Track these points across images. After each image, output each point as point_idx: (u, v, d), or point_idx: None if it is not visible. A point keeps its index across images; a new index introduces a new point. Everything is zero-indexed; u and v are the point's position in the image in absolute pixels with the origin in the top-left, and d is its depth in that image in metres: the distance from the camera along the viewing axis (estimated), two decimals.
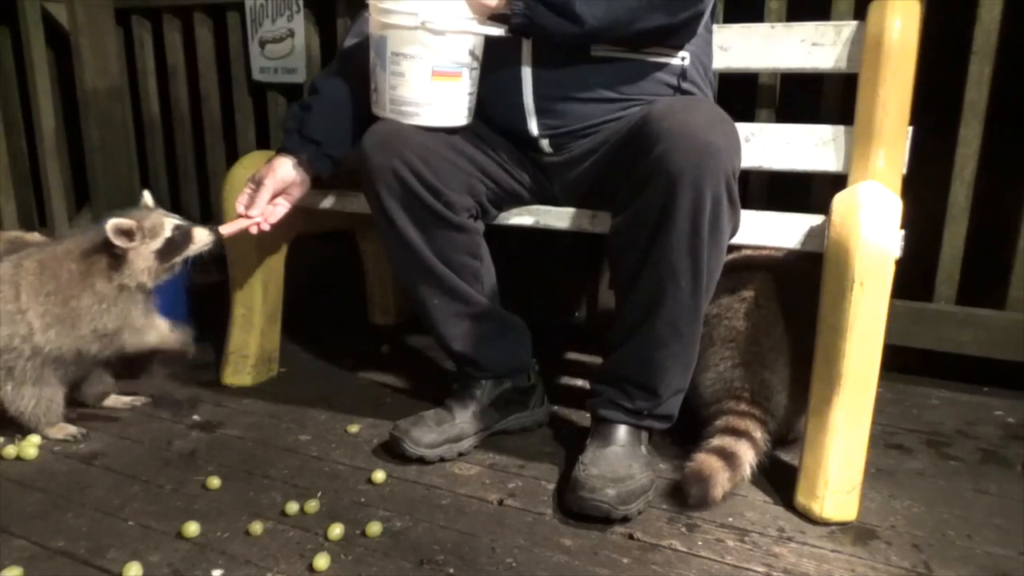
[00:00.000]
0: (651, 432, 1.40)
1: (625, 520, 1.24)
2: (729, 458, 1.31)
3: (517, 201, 1.51)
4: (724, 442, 1.33)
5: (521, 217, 1.51)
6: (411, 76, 1.31)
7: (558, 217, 1.47)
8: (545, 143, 1.44)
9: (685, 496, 1.27)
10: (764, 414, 1.38)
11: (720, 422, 1.38)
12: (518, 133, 1.44)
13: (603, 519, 1.22)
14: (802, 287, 1.36)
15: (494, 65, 1.38)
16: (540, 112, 1.40)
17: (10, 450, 1.47)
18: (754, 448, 1.33)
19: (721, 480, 1.28)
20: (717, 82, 1.65)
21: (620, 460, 1.29)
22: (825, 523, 1.23)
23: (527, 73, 1.38)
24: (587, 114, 1.39)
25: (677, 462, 1.42)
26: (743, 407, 1.39)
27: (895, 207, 1.22)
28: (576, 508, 1.24)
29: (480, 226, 1.45)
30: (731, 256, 1.48)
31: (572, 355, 2.01)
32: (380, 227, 1.41)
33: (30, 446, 1.48)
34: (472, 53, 1.33)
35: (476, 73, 1.37)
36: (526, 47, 1.36)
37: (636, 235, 1.23)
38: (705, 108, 1.25)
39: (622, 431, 1.34)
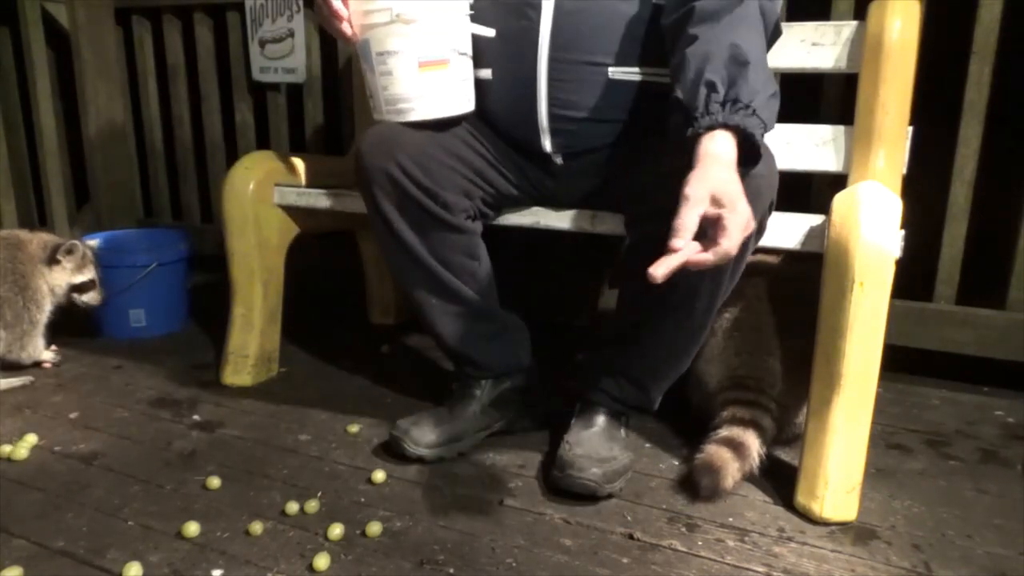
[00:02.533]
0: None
1: (609, 497, 1.28)
2: (738, 448, 1.32)
3: (515, 204, 1.50)
4: (732, 432, 1.34)
5: (521, 217, 1.51)
6: (398, 72, 1.30)
7: (558, 218, 1.47)
8: (558, 159, 1.42)
9: (696, 487, 1.29)
10: (770, 402, 1.39)
11: (727, 412, 1.39)
12: (530, 148, 1.42)
13: (590, 496, 1.28)
14: (798, 286, 1.36)
15: (508, 83, 1.37)
16: (555, 132, 1.37)
17: (5, 448, 1.47)
18: (761, 437, 1.35)
19: (731, 470, 1.29)
20: None
21: (602, 441, 1.36)
22: (825, 523, 1.23)
23: (543, 91, 1.35)
24: (602, 133, 1.37)
25: (682, 457, 1.43)
26: (749, 396, 1.40)
27: (895, 207, 1.22)
28: (564, 485, 1.29)
29: (477, 226, 1.45)
30: None
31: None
32: (376, 229, 1.41)
33: (23, 447, 1.47)
34: (457, 37, 1.32)
35: (467, 58, 1.35)
36: (543, 62, 1.33)
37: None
38: None
39: (606, 414, 1.41)
